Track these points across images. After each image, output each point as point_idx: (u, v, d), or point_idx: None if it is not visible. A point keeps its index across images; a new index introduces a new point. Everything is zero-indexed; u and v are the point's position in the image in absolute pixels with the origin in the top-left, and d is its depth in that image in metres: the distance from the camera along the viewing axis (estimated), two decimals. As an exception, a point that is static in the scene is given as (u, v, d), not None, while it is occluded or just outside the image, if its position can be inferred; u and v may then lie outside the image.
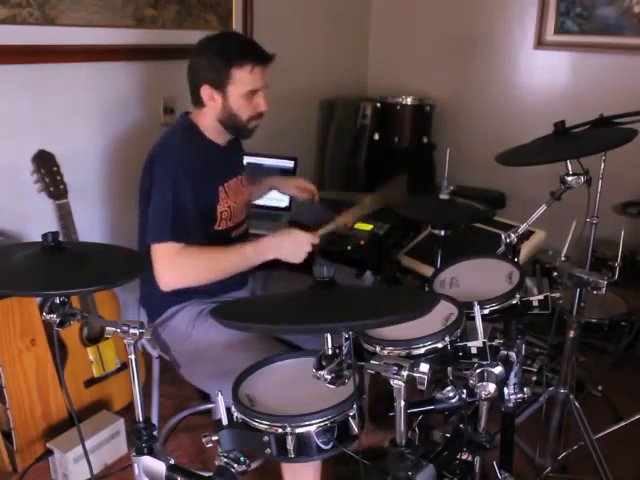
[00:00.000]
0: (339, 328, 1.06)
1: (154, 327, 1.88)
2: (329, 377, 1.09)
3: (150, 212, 1.73)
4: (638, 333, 2.71)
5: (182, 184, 1.70)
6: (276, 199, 2.84)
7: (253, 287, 2.05)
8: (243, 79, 1.73)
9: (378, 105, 3.29)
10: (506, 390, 1.53)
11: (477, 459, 1.46)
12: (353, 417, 1.19)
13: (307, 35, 3.30)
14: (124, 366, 2.38)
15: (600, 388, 2.42)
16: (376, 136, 3.30)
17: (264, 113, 1.82)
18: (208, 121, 1.82)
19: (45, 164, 2.14)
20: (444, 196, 1.92)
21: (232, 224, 1.90)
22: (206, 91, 1.76)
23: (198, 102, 1.80)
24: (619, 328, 2.66)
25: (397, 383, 1.10)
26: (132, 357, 1.23)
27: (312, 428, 1.16)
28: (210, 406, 2.23)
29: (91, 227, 2.45)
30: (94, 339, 2.31)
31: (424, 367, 1.09)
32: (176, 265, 1.67)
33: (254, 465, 1.93)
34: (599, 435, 2.01)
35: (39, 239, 1.22)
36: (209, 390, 1.83)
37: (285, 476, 1.61)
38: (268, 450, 1.17)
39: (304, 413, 1.17)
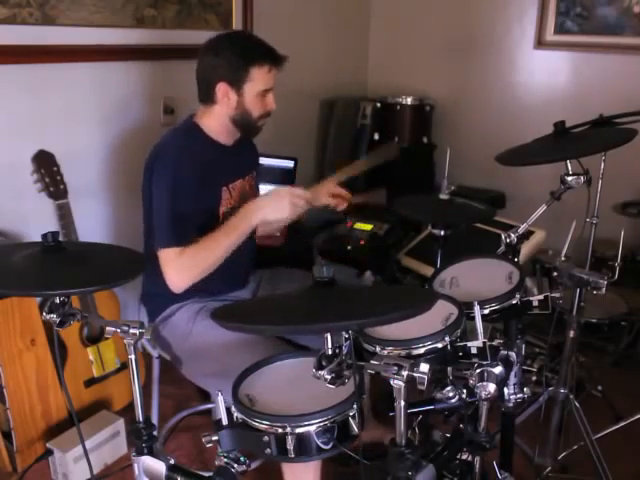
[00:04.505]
0: (340, 327, 1.06)
1: (155, 326, 1.88)
2: (329, 377, 1.09)
3: (153, 217, 1.76)
4: (638, 333, 2.71)
5: (181, 185, 1.71)
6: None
7: (254, 287, 2.05)
8: (261, 78, 1.77)
9: (378, 105, 3.29)
10: (506, 390, 1.54)
11: (477, 459, 1.46)
12: (353, 417, 1.19)
13: (307, 35, 3.30)
14: (124, 366, 2.38)
15: (600, 388, 2.42)
16: (376, 136, 3.29)
17: (272, 112, 1.86)
18: (215, 120, 1.83)
19: (45, 164, 2.14)
20: (444, 196, 1.92)
21: None
22: (222, 88, 1.77)
23: (209, 100, 1.81)
24: (619, 328, 2.66)
25: (397, 383, 1.10)
26: (132, 357, 1.23)
27: (312, 428, 1.16)
28: (210, 406, 2.23)
29: (91, 227, 2.45)
30: (94, 339, 2.31)
31: (424, 367, 1.09)
32: (179, 267, 1.71)
33: (254, 465, 1.94)
34: (599, 435, 2.01)
35: (39, 239, 1.22)
36: (209, 388, 1.83)
37: (286, 476, 1.61)
38: (268, 450, 1.17)
39: (304, 413, 1.17)
